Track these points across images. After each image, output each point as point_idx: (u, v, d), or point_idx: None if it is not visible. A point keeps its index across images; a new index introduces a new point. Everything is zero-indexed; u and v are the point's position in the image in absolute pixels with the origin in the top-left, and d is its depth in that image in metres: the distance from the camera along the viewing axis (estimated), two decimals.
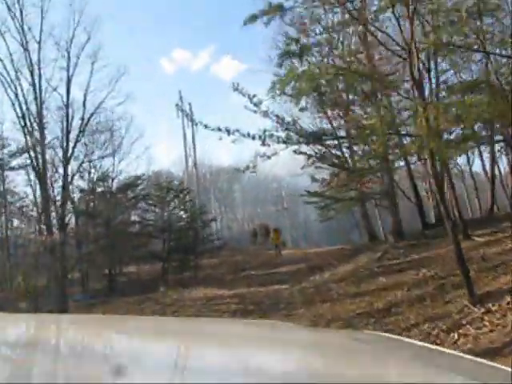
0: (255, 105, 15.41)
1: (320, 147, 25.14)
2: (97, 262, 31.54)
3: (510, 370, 1.69)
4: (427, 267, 14.69)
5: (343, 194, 26.49)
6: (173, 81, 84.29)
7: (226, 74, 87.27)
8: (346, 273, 17.72)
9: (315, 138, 15.87)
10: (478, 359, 2.00)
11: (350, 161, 25.51)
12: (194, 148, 45.93)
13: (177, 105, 44.12)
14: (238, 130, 15.43)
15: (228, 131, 15.42)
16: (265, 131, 15.32)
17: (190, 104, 44.05)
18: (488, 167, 27.37)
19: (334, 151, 25.96)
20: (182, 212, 32.50)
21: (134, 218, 36.07)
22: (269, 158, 15.77)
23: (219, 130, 15.54)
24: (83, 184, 33.26)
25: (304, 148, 21.73)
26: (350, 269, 18.29)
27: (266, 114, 15.42)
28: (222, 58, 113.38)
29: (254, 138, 15.44)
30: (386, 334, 2.99)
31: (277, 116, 15.48)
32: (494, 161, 23.75)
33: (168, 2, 77.92)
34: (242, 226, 58.22)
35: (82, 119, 28.38)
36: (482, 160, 29.93)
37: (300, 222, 53.20)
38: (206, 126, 16.03)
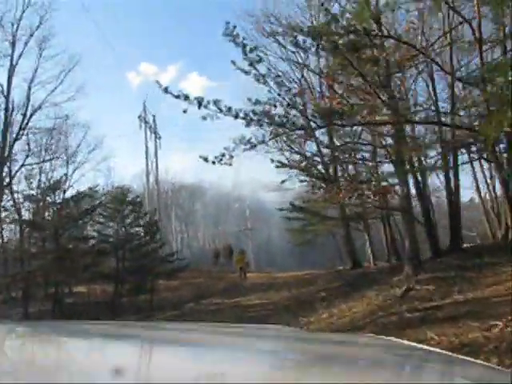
0: (251, 64, 9.69)
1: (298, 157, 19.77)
2: (41, 280, 25.67)
3: (509, 371, 1.81)
4: (496, 316, 8.86)
5: (325, 212, 20.71)
6: (138, 95, 77.42)
7: (193, 90, 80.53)
8: (359, 315, 11.72)
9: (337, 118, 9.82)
10: (479, 361, 1.91)
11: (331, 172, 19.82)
12: (156, 163, 40.07)
13: (140, 116, 38.73)
14: (215, 102, 9.54)
15: (199, 102, 9.54)
16: (256, 103, 9.55)
17: (153, 116, 39.08)
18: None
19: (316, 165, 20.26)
20: (139, 228, 26.42)
21: (87, 233, 29.67)
22: (253, 147, 10.08)
23: (186, 98, 9.71)
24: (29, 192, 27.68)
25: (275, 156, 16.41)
26: (362, 310, 12.28)
27: (262, 78, 9.65)
28: (189, 74, 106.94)
29: (236, 115, 9.65)
30: (384, 337, 2.84)
31: (279, 81, 9.68)
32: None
33: (135, 13, 70.81)
34: (203, 245, 52.39)
35: (24, 114, 21.94)
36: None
37: (263, 243, 47.48)
38: (166, 90, 10.20)
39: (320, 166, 20.18)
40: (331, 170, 19.56)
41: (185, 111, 10.45)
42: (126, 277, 24.88)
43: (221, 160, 10.38)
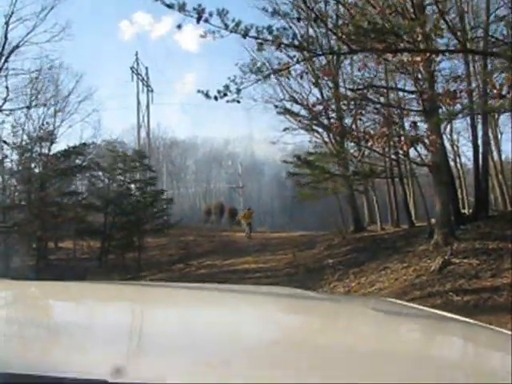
0: None
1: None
2: (24, 234, 22.67)
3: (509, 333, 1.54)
4: None
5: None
6: (132, 46, 72.12)
7: (189, 43, 74.43)
8: (386, 294, 8.98)
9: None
10: (493, 327, 1.82)
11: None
12: (148, 116, 37.21)
13: (132, 67, 35.68)
14: (220, 13, 6.79)
15: (199, 14, 6.76)
16: (274, 14, 7.15)
17: (146, 68, 36.18)
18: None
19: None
20: (131, 184, 24.46)
21: (74, 187, 27.16)
22: (267, 76, 7.43)
23: (181, 8, 6.92)
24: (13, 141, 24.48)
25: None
26: (389, 286, 9.58)
27: None
28: (185, 25, 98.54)
29: (246, 33, 6.93)
30: (398, 301, 2.77)
31: None
32: None
33: None
34: (194, 202, 49.75)
35: (1, 54, 18.75)
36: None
37: (254, 202, 44.99)
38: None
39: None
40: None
41: (179, 26, 7.72)
42: (114, 233, 22.78)
43: (225, 95, 7.62)
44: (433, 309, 2.23)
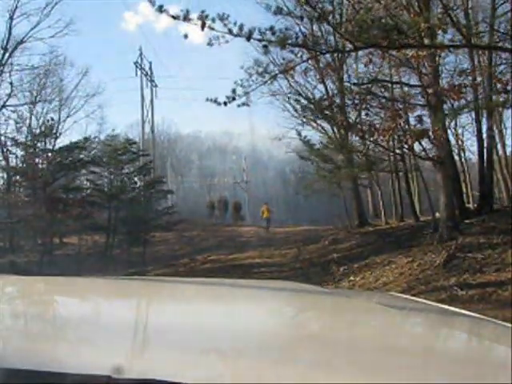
0: None
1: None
2: (29, 230, 23.21)
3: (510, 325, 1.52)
4: None
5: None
6: (136, 38, 71.27)
7: (194, 35, 74.15)
8: (391, 288, 9.05)
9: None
10: (497, 321, 1.73)
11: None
12: (152, 111, 37.05)
13: (136, 62, 35.64)
14: (222, 18, 7.06)
15: (203, 21, 6.91)
16: (277, 12, 7.15)
17: (150, 63, 36.02)
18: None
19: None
20: (136, 179, 24.37)
21: (79, 182, 27.14)
22: (273, 77, 7.68)
23: (186, 17, 7.11)
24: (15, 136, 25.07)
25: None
26: (393, 280, 9.63)
27: None
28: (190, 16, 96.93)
29: (249, 36, 7.15)
30: (403, 295, 2.80)
31: None
32: None
33: None
34: (198, 197, 49.68)
35: (5, 49, 18.80)
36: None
37: (259, 197, 44.95)
38: (161, 10, 7.43)
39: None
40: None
41: (186, 36, 7.81)
42: (119, 228, 22.75)
43: (233, 99, 7.65)
44: (437, 303, 2.23)
